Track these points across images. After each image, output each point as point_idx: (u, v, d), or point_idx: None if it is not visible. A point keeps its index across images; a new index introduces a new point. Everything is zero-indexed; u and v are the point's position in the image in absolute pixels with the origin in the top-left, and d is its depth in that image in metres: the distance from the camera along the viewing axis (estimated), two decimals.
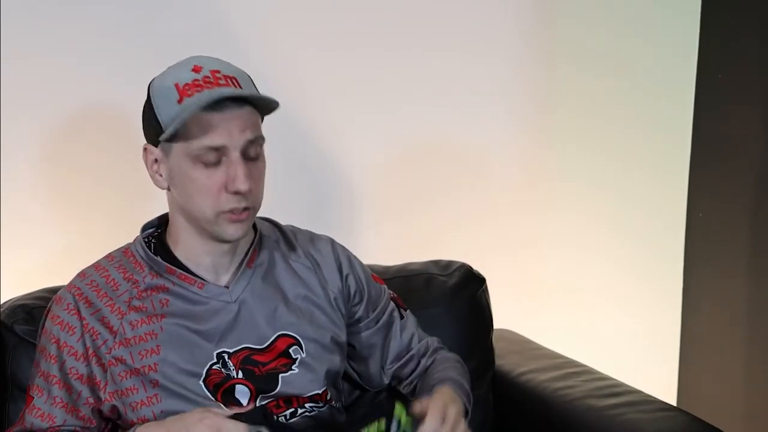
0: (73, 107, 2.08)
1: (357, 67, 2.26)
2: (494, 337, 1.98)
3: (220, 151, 1.46)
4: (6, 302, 1.76)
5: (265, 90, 1.53)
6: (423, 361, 1.71)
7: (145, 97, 1.52)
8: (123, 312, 1.53)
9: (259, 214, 1.60)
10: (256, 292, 1.57)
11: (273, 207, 1.70)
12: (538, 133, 2.45)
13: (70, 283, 1.58)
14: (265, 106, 1.51)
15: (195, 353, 1.51)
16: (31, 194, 2.08)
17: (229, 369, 1.52)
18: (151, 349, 1.51)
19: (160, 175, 1.52)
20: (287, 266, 1.62)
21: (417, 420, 1.43)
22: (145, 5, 2.10)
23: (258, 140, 1.50)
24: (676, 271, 2.55)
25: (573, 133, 2.46)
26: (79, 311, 1.53)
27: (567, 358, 1.99)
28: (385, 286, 1.75)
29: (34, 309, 1.71)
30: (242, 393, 1.52)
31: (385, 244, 2.28)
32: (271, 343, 1.56)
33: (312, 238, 1.69)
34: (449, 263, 1.99)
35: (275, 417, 1.51)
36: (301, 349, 1.57)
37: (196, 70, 1.48)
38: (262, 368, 1.54)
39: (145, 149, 1.53)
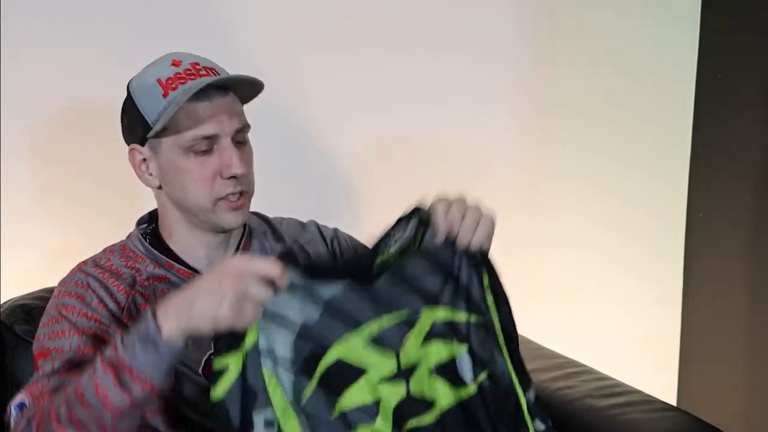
0: (73, 107, 2.08)
1: (357, 67, 2.26)
2: None
3: (211, 139, 1.48)
4: (6, 302, 1.76)
5: (265, 90, 1.54)
6: None
7: (125, 99, 1.52)
8: (129, 292, 1.52)
9: (258, 211, 1.59)
10: None
11: (273, 207, 1.70)
12: (538, 133, 2.45)
13: (73, 269, 1.57)
14: (249, 89, 1.53)
15: (193, 344, 1.51)
16: (30, 194, 2.08)
17: None
18: None
19: (150, 174, 1.53)
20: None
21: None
22: (145, 5, 2.10)
23: (245, 127, 1.52)
24: (676, 271, 2.55)
25: (573, 133, 2.46)
26: (88, 284, 1.51)
27: (567, 358, 1.99)
28: None
29: (33, 309, 1.71)
30: None
31: None
32: None
33: (298, 224, 1.71)
34: None
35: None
36: None
37: (176, 64, 1.49)
38: None
39: (131, 151, 1.53)
